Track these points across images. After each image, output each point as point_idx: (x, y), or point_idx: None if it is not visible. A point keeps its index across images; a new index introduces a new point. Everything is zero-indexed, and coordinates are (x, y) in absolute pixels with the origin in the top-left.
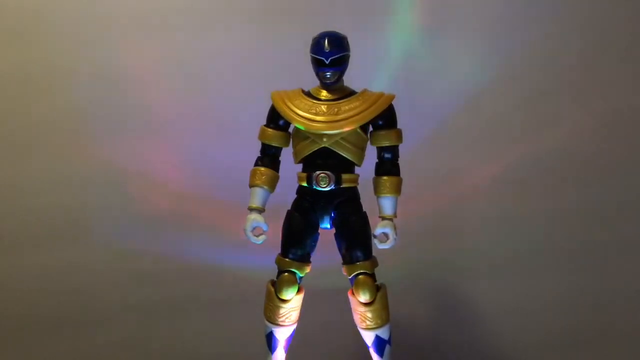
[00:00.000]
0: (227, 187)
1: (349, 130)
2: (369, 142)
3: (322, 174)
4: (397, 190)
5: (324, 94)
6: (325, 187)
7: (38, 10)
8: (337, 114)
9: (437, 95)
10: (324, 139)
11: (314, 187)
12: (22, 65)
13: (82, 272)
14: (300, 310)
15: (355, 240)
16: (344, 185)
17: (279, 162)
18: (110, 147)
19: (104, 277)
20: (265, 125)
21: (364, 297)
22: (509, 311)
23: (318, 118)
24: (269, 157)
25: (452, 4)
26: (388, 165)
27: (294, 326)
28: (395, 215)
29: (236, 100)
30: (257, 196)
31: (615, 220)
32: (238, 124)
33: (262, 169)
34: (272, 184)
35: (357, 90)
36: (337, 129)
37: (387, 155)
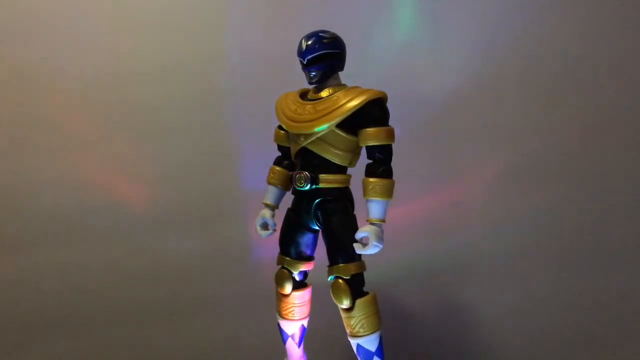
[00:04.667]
0: (227, 187)
1: (323, 130)
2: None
3: (298, 174)
4: (385, 193)
5: (312, 93)
6: (302, 187)
7: (29, 10)
8: (312, 113)
9: (437, 95)
10: (302, 139)
11: (294, 186)
12: (21, 65)
13: (82, 272)
14: (309, 308)
15: (334, 242)
16: (323, 186)
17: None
18: (109, 147)
19: (104, 277)
20: (277, 127)
21: (337, 303)
22: (509, 311)
23: (297, 117)
24: (283, 157)
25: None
26: (376, 167)
27: (301, 322)
28: (381, 220)
29: (237, 100)
30: (270, 193)
31: (616, 220)
32: (239, 124)
33: (277, 168)
34: (285, 182)
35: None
36: (307, 130)
37: (374, 156)
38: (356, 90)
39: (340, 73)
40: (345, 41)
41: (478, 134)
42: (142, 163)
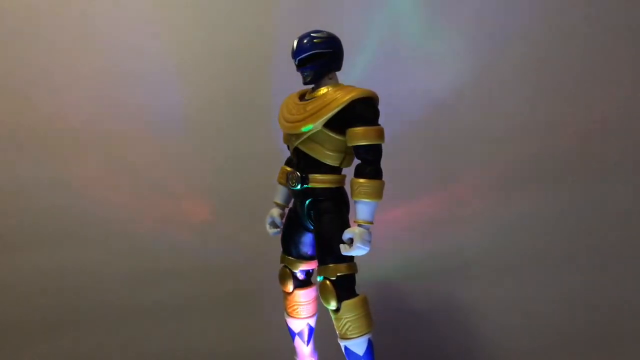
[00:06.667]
0: (226, 188)
1: (310, 130)
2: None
3: (290, 174)
4: (373, 194)
5: (308, 93)
6: (294, 187)
7: (31, 8)
8: (302, 113)
9: (437, 95)
10: (293, 139)
11: (288, 186)
12: (22, 64)
13: (82, 272)
14: (315, 307)
15: (322, 242)
16: (313, 186)
17: None
18: (110, 146)
19: (103, 277)
20: None
21: (324, 304)
22: (509, 311)
23: (290, 118)
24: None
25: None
26: (363, 167)
27: (307, 321)
28: (368, 221)
29: (240, 100)
30: (278, 192)
31: (616, 220)
32: (241, 124)
33: (288, 168)
34: None
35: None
36: (295, 130)
37: (361, 156)
38: (345, 89)
39: (338, 73)
40: (343, 41)
41: (478, 134)
42: (145, 162)
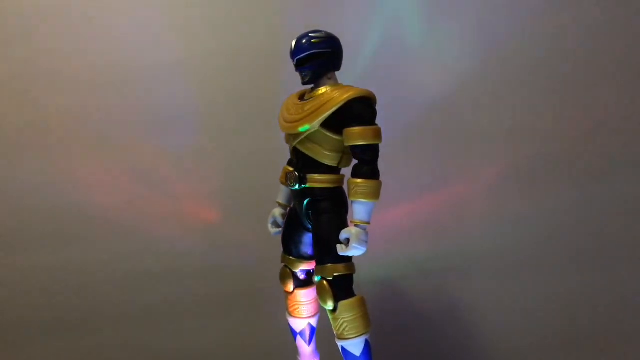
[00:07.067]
0: (229, 188)
1: (307, 130)
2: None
3: (289, 174)
4: (370, 194)
5: (307, 94)
6: (292, 187)
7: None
8: (300, 114)
9: (437, 95)
10: (292, 139)
11: (287, 186)
12: (23, 64)
13: (82, 272)
14: (317, 307)
15: (320, 242)
16: (311, 186)
17: None
18: (111, 147)
19: (104, 277)
20: None
21: (322, 304)
22: (509, 311)
23: (289, 118)
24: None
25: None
26: (360, 167)
27: (308, 321)
28: (365, 222)
29: (245, 100)
30: (280, 192)
31: (616, 220)
32: (246, 124)
33: (289, 168)
34: None
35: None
36: (292, 130)
37: (358, 156)
38: (343, 89)
39: (338, 73)
40: (343, 41)
41: (478, 134)
42: (148, 163)
